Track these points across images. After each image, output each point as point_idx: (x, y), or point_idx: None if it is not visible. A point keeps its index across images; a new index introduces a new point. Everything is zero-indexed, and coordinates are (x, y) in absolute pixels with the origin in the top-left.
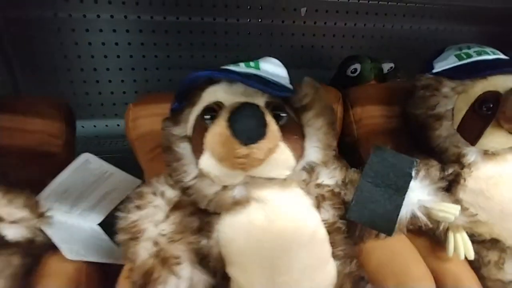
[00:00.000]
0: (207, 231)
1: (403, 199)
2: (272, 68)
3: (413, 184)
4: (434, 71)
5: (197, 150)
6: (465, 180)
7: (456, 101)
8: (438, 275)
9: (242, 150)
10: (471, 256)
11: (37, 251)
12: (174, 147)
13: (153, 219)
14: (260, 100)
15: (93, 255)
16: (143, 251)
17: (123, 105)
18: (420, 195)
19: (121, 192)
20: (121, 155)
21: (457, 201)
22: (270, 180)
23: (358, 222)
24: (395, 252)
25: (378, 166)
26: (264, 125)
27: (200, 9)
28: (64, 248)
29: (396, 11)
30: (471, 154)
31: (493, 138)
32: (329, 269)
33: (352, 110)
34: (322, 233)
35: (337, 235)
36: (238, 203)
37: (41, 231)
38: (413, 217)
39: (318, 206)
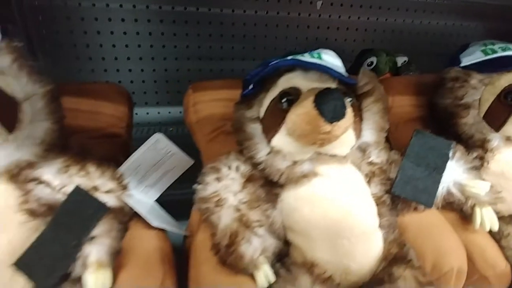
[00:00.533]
0: (273, 201)
1: (441, 176)
2: (331, 59)
3: (450, 163)
4: (462, 64)
5: (270, 130)
6: (488, 163)
7: (483, 92)
8: (465, 244)
9: (327, 127)
10: (496, 228)
11: (126, 219)
12: (245, 127)
13: (231, 190)
14: (332, 86)
15: (165, 225)
16: (226, 217)
17: (141, 94)
18: (455, 174)
19: (177, 171)
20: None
21: None
22: (333, 157)
23: (402, 196)
24: (431, 224)
25: (419, 147)
26: (344, 106)
27: (218, 0)
28: (148, 216)
29: (408, 6)
30: (494, 139)
31: None
32: (378, 236)
33: None
34: (372, 205)
35: (383, 207)
36: (306, 176)
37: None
38: (448, 193)
39: (368, 181)
